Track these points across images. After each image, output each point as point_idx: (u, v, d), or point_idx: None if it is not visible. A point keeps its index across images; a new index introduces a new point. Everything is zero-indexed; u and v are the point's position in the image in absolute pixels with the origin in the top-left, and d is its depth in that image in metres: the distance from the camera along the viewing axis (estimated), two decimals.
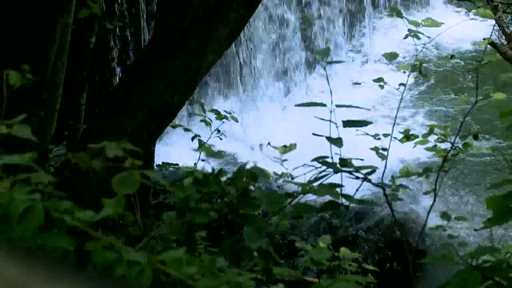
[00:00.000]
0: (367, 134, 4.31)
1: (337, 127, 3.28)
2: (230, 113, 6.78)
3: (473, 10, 5.17)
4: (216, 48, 4.10)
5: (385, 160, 3.96)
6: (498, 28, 8.41)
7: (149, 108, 4.01)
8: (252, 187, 2.71)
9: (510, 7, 8.39)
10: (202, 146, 5.41)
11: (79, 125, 6.21)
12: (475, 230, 8.45)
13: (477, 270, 2.75)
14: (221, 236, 2.83)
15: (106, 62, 9.88)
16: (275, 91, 12.39)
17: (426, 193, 4.19)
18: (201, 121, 6.74)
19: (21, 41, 4.24)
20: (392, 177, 3.57)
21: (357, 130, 3.71)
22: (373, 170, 3.15)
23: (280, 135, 10.39)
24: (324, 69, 3.59)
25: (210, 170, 2.70)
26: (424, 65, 4.44)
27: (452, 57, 5.77)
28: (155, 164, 6.70)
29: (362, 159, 3.18)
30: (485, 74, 11.73)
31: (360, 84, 12.32)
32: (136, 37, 10.15)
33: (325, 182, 2.96)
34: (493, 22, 8.29)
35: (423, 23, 4.31)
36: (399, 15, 4.38)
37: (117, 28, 9.80)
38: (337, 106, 3.38)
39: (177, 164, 7.05)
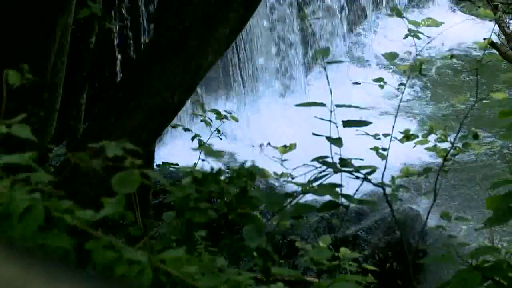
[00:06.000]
0: (367, 134, 4.31)
1: (337, 127, 3.28)
2: (230, 113, 6.79)
3: (473, 10, 5.18)
4: (216, 48, 4.10)
5: (385, 160, 3.96)
6: (498, 28, 8.41)
7: (149, 108, 4.01)
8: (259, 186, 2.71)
9: (510, 7, 8.39)
10: (202, 145, 5.40)
11: (79, 125, 6.21)
12: (475, 230, 8.45)
13: (477, 270, 2.75)
14: (221, 236, 2.83)
15: (106, 62, 9.89)
16: (274, 91, 12.39)
17: (426, 193, 4.20)
18: (201, 121, 6.74)
19: (21, 41, 4.24)
20: (392, 177, 3.57)
21: (357, 130, 3.71)
22: (373, 170, 3.15)
23: (280, 135, 10.39)
24: (324, 69, 3.59)
25: (209, 170, 2.71)
26: (424, 65, 4.44)
27: (452, 57, 5.77)
28: (155, 164, 6.70)
29: (362, 159, 3.18)
30: (485, 74, 11.73)
31: (360, 84, 12.31)
32: (136, 37, 10.15)
33: (325, 182, 2.96)
34: (493, 22, 8.29)
35: (423, 22, 4.31)
36: (399, 14, 4.38)
37: (117, 28, 9.80)
38: (337, 106, 3.38)
39: (177, 164, 7.05)
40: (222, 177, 2.68)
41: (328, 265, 3.68)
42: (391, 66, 13.09)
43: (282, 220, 2.90)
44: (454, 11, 15.75)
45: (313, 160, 3.09)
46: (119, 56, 10.01)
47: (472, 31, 13.39)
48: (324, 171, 3.04)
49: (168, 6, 4.27)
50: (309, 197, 3.23)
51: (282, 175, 3.97)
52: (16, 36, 4.23)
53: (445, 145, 4.31)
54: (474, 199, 10.14)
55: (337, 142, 3.16)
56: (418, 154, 10.12)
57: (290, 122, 11.19)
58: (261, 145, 10.77)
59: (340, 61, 10.10)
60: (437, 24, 4.33)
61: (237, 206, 2.64)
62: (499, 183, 3.12)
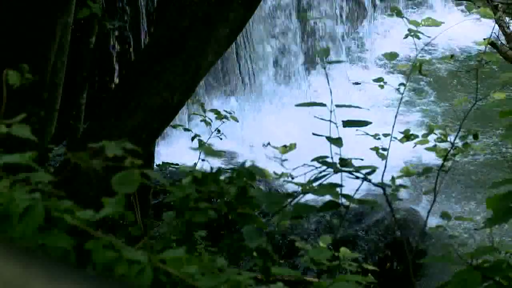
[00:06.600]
0: (367, 134, 4.31)
1: (337, 127, 3.28)
2: (230, 113, 6.79)
3: (473, 10, 5.17)
4: (216, 48, 4.10)
5: (385, 160, 3.96)
6: (498, 28, 8.40)
7: (149, 108, 4.01)
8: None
9: (510, 7, 8.39)
10: (202, 145, 5.41)
11: (79, 125, 6.21)
12: (475, 230, 8.45)
13: (477, 270, 2.75)
14: (221, 236, 2.84)
15: (106, 62, 9.89)
16: (275, 91, 12.39)
17: (426, 193, 4.20)
18: (201, 121, 6.74)
19: (21, 41, 4.24)
20: (392, 177, 3.57)
21: (357, 130, 3.71)
22: (373, 170, 3.15)
23: (280, 135, 10.39)
24: (324, 69, 3.60)
25: (209, 170, 2.71)
26: (424, 65, 4.44)
27: (452, 57, 5.78)
28: (155, 164, 6.70)
29: (362, 159, 3.18)
30: (485, 74, 11.73)
31: (360, 83, 12.31)
32: (136, 37, 10.15)
33: (325, 182, 2.96)
34: (493, 22, 8.29)
35: (423, 22, 4.31)
36: (399, 14, 4.38)
37: (117, 28, 9.80)
38: (337, 106, 3.38)
39: (177, 164, 7.05)
40: (222, 177, 2.68)
41: (328, 265, 3.68)
42: (391, 66, 13.09)
43: (282, 220, 2.90)
44: (452, 11, 15.75)
45: (313, 160, 3.09)
46: (117, 56, 10.02)
47: (472, 31, 13.38)
48: (324, 171, 3.04)
49: (168, 6, 4.27)
50: (309, 197, 3.23)
51: (282, 175, 3.97)
52: (16, 36, 4.23)
53: (445, 145, 4.31)
54: (474, 199, 10.14)
55: (337, 142, 3.16)
56: (418, 154, 10.12)
57: (290, 122, 11.19)
58: (263, 145, 10.74)
59: (340, 61, 10.12)
60: (437, 24, 4.33)
61: (237, 206, 2.64)
62: (499, 183, 3.12)
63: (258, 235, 2.59)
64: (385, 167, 3.68)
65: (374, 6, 14.95)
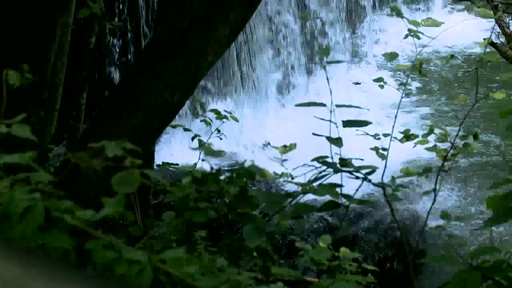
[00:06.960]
0: (367, 134, 4.31)
1: (337, 127, 3.28)
2: (230, 113, 6.79)
3: (473, 10, 5.17)
4: (216, 48, 4.10)
5: (385, 160, 3.96)
6: (498, 28, 8.41)
7: (149, 108, 4.01)
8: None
9: (510, 7, 8.39)
10: (202, 145, 5.40)
11: (79, 125, 6.22)
12: (475, 230, 8.46)
13: (477, 270, 2.75)
14: (221, 236, 2.83)
15: (106, 62, 9.89)
16: (275, 91, 12.39)
17: (426, 193, 4.19)
18: (201, 121, 6.74)
19: (21, 41, 4.24)
20: (392, 177, 3.57)
21: (357, 130, 3.71)
22: (373, 170, 3.15)
23: (280, 135, 10.39)
24: (324, 69, 3.59)
25: (209, 170, 2.71)
26: (424, 65, 4.44)
27: (452, 57, 5.78)
28: (155, 164, 6.70)
29: (362, 159, 3.18)
30: (485, 74, 11.73)
31: (360, 84, 12.32)
32: (136, 37, 10.15)
33: (325, 182, 2.96)
34: (493, 22, 8.29)
35: (423, 22, 4.31)
36: (399, 14, 4.38)
37: (117, 28, 9.80)
38: (337, 106, 3.38)
39: (177, 164, 7.05)
40: (222, 177, 2.69)
41: (328, 265, 3.68)
42: (392, 66, 13.09)
43: (282, 220, 2.90)
44: (452, 13, 15.74)
45: (313, 160, 3.09)
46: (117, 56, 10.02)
47: (472, 31, 13.38)
48: (324, 171, 3.04)
49: (168, 6, 4.27)
50: (309, 197, 3.23)
51: (282, 175, 3.97)
52: (16, 36, 4.23)
53: (445, 145, 4.31)
54: (474, 199, 10.14)
55: (337, 142, 3.16)
56: (418, 154, 10.12)
57: (290, 122, 11.19)
58: (263, 145, 10.76)
59: (340, 61, 10.10)
60: (437, 24, 4.33)
61: (237, 206, 2.64)
62: (499, 183, 3.12)
63: (258, 235, 2.59)
64: (385, 167, 3.68)
65: (374, 6, 14.95)
